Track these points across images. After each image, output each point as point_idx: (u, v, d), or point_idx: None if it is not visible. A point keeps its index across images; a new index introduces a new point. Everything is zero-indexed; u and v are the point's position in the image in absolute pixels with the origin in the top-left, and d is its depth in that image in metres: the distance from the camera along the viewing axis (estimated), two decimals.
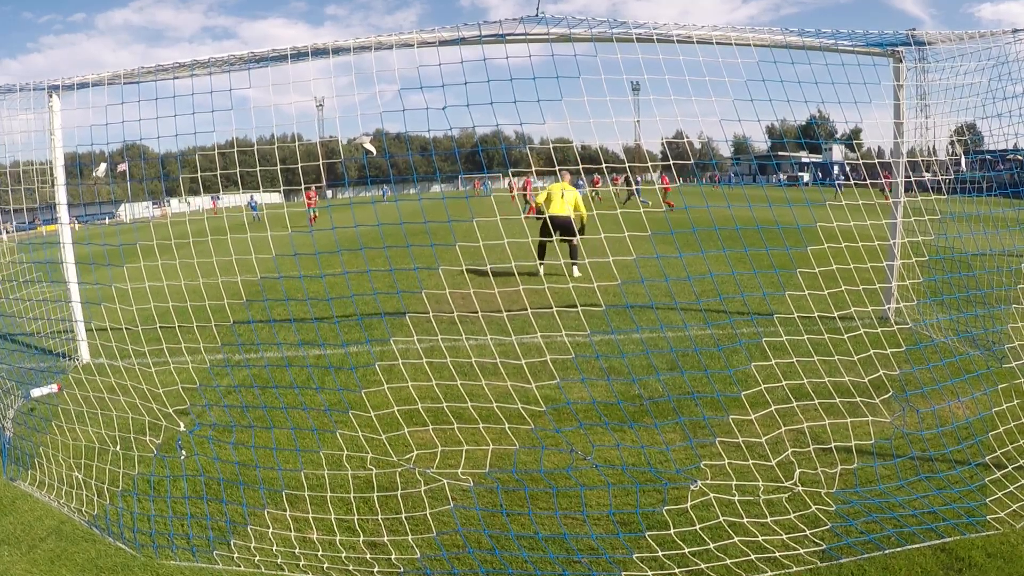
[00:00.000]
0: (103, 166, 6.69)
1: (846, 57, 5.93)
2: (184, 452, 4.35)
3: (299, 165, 4.83)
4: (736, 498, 3.51)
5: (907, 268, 6.55)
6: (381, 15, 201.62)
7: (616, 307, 7.95)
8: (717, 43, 5.40)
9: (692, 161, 5.35)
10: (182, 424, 4.60)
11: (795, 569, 2.98)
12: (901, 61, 6.69)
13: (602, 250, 4.25)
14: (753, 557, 3.05)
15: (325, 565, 3.18)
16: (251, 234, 4.83)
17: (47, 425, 4.86)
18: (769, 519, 3.32)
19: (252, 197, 35.25)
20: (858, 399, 4.27)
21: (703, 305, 8.08)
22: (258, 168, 4.72)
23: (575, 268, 10.88)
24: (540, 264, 11.24)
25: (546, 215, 10.89)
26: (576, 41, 5.02)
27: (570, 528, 3.38)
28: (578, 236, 10.92)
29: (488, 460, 4.02)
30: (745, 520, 3.32)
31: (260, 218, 24.11)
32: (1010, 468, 3.74)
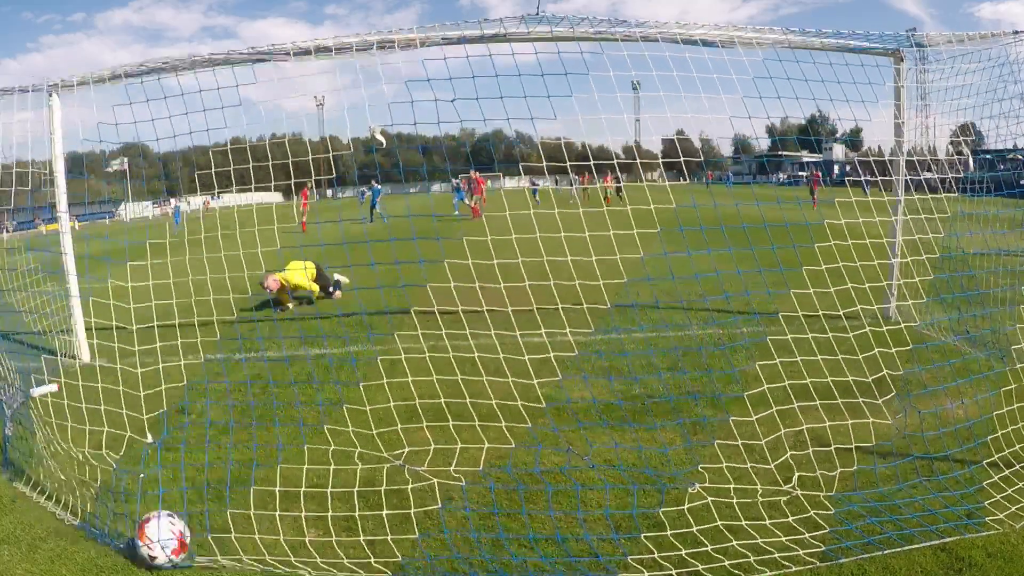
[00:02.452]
0: (117, 160, 6.68)
1: (847, 57, 5.93)
2: (151, 438, 4.31)
3: (301, 160, 4.83)
4: (735, 500, 3.50)
5: (912, 267, 6.53)
6: (380, 14, 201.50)
7: (621, 305, 7.95)
8: (720, 44, 5.40)
9: (687, 159, 5.35)
10: (151, 438, 4.51)
11: (794, 569, 2.97)
12: (902, 61, 6.68)
13: (609, 248, 4.24)
14: (752, 559, 3.03)
15: (324, 564, 3.17)
16: (256, 229, 4.83)
17: (47, 424, 4.85)
18: (768, 521, 3.31)
19: (176, 204, 28.35)
20: (860, 399, 4.25)
21: (709, 304, 8.07)
22: (264, 165, 4.72)
23: (336, 293, 9.81)
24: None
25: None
26: (576, 40, 5.03)
27: (567, 529, 3.37)
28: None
29: (483, 458, 4.01)
30: (744, 522, 3.31)
31: (180, 228, 19.97)
32: (1008, 472, 3.72)
